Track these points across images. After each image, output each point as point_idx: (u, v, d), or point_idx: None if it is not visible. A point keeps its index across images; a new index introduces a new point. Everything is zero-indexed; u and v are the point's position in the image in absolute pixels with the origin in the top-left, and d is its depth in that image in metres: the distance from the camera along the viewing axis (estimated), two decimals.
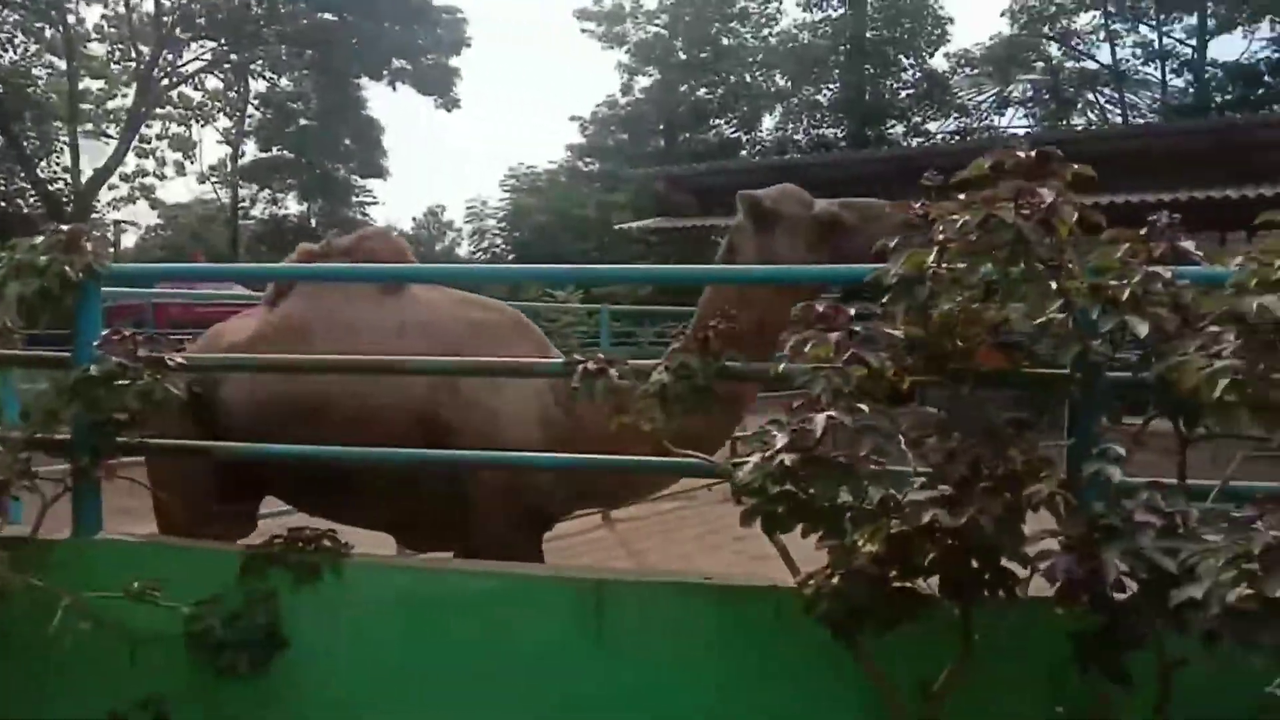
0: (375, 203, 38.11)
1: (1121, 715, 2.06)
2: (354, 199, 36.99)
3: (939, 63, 31.77)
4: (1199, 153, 13.33)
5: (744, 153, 31.64)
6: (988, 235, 2.00)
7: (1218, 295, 2.02)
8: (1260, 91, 25.23)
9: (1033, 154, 2.01)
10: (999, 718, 2.34)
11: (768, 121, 34.21)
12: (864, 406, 1.93)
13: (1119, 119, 28.69)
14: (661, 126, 33.64)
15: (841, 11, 31.51)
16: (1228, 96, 26.08)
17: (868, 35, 30.66)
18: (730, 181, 18.72)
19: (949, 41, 31.45)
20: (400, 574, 2.86)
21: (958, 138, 29.39)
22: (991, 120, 31.48)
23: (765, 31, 34.45)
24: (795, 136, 32.72)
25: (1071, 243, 1.99)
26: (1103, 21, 29.55)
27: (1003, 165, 2.06)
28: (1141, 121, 26.85)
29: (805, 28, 32.94)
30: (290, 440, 3.15)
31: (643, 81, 34.68)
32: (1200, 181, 12.82)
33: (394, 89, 33.34)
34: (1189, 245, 2.14)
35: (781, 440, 1.91)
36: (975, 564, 2.07)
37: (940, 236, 2.09)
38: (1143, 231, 2.20)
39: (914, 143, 28.62)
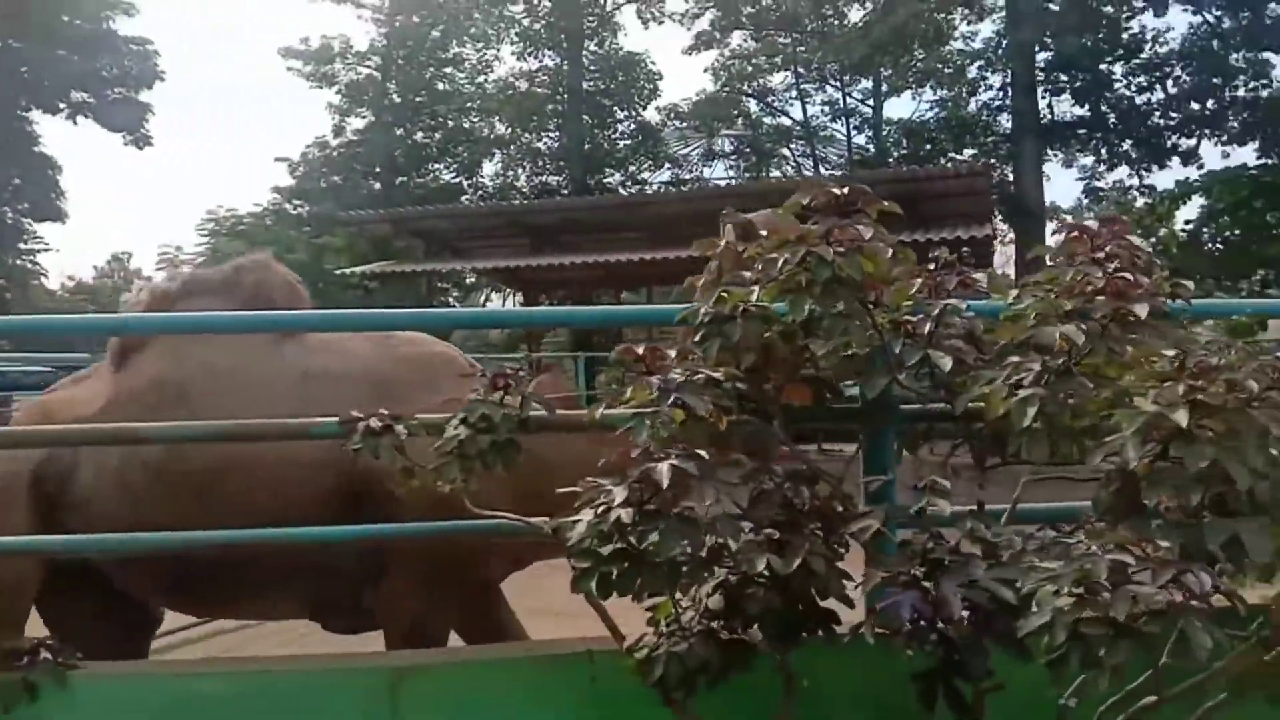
0: (48, 249, 34.04)
1: None
2: (23, 245, 32.83)
3: (651, 115, 33.30)
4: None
5: (465, 198, 31.36)
6: (805, 272, 1.98)
7: (1003, 325, 2.13)
8: (929, 147, 28.61)
9: (845, 191, 2.01)
10: None
11: (489, 167, 34.21)
12: (702, 453, 1.82)
13: (811, 171, 31.33)
14: (377, 169, 32.67)
15: (557, 62, 32.27)
16: (902, 151, 29.37)
17: (584, 86, 31.55)
18: (457, 226, 18.52)
19: (660, 96, 33.08)
20: (147, 681, 2.40)
21: (671, 187, 30.80)
22: (700, 171, 33.35)
23: (482, 78, 34.53)
24: (517, 183, 32.96)
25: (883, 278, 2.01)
26: (794, 81, 32.27)
27: (812, 204, 2.05)
28: (831, 174, 29.51)
29: (522, 76, 33.40)
30: (168, 525, 2.57)
31: (356, 123, 33.55)
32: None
33: (74, 124, 30.20)
34: (978, 278, 2.23)
35: (620, 494, 1.76)
36: (800, 608, 2.03)
37: (758, 274, 2.05)
38: (931, 267, 2.27)
39: (633, 191, 29.68)
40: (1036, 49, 24.73)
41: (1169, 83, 25.73)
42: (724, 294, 2.07)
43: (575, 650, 2.38)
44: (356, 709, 2.28)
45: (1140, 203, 26.96)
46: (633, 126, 33.01)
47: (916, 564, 1.85)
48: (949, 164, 23.58)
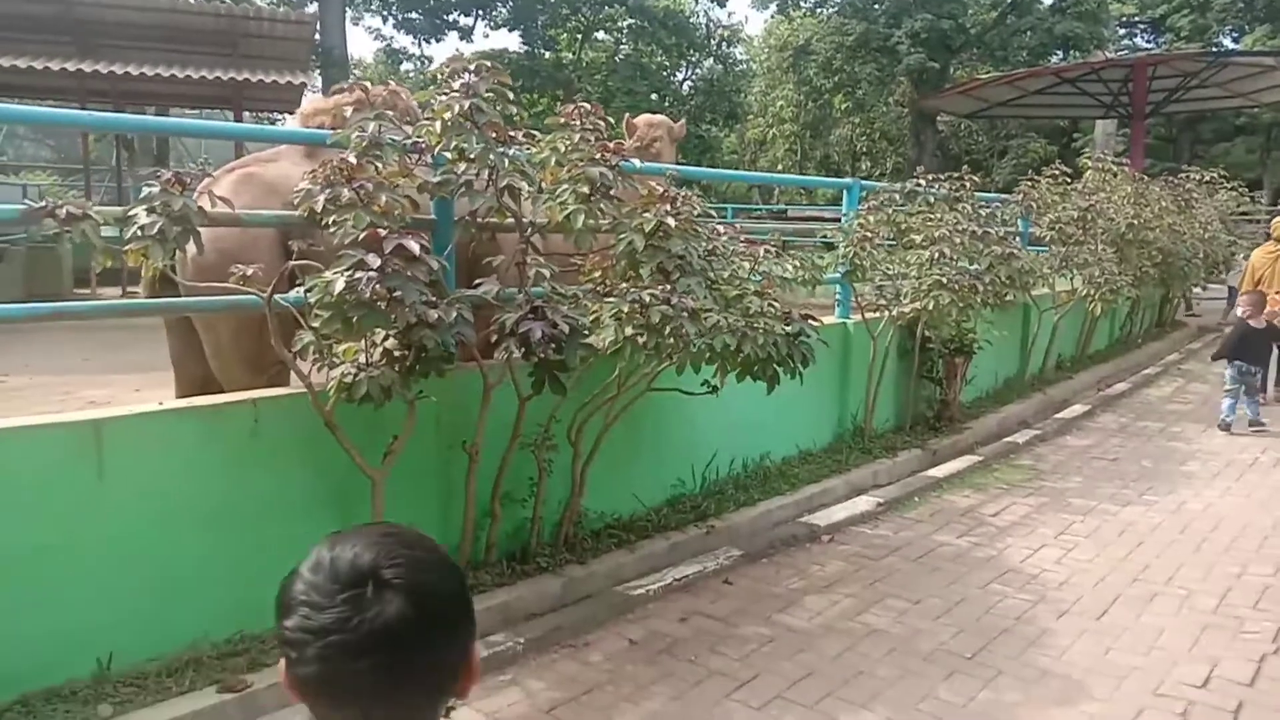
0: None
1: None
2: None
3: None
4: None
5: None
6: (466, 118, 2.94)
7: (552, 168, 3.32)
8: None
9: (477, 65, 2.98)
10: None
11: None
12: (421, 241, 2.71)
13: None
14: None
15: None
16: None
17: None
18: None
19: None
20: None
21: None
22: None
23: None
24: None
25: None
26: None
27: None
28: None
29: None
30: None
31: None
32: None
33: None
34: (534, 134, 3.35)
35: (374, 260, 2.58)
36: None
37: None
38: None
39: None
40: None
41: None
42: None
43: (240, 400, 3.03)
44: (66, 451, 2.64)
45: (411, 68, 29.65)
46: None
47: (526, 310, 3.00)
48: (269, 5, 22.97)
